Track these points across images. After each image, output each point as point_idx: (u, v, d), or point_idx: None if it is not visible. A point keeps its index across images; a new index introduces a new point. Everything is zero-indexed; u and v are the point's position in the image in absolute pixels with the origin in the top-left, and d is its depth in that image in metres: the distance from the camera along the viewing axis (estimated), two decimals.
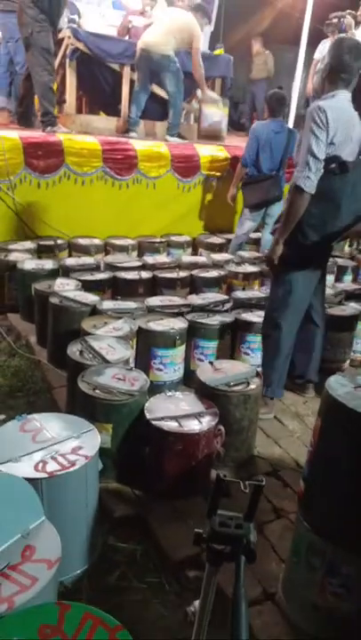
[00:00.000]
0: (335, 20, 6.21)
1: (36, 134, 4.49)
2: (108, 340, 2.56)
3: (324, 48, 6.76)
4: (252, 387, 2.31)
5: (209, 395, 2.25)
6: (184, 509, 1.97)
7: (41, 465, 1.62)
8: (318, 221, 2.39)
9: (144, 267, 3.90)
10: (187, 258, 4.47)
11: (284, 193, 4.21)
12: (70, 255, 4.31)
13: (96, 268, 3.81)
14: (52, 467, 1.61)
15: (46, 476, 1.58)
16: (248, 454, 2.39)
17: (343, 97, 2.37)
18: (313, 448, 1.62)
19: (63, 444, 1.73)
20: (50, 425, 1.83)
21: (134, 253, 4.51)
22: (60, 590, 1.58)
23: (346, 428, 1.46)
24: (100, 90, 5.76)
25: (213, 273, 3.83)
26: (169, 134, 5.41)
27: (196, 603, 1.27)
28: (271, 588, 1.71)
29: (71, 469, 1.61)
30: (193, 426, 2.03)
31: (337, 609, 1.54)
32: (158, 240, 4.82)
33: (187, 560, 1.77)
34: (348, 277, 4.38)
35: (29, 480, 1.56)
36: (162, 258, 4.36)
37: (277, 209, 4.40)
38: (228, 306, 3.17)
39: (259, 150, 4.29)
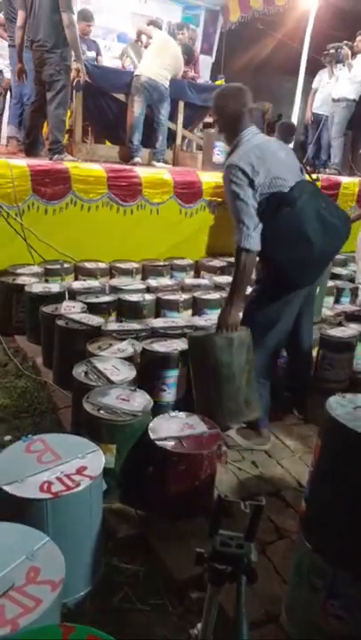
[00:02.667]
0: (333, 51, 6.41)
1: (43, 162, 4.61)
2: (113, 361, 2.60)
3: (321, 78, 6.97)
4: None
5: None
6: (187, 530, 1.98)
7: (46, 485, 1.64)
8: (299, 263, 2.29)
9: (148, 289, 3.97)
10: (189, 280, 4.54)
11: None
12: (76, 278, 4.39)
13: (101, 291, 3.88)
14: (56, 487, 1.63)
15: (51, 496, 1.59)
16: (248, 409, 2.36)
17: (251, 133, 2.35)
18: (314, 468, 1.64)
19: (68, 464, 1.74)
20: (55, 445, 1.85)
21: (138, 276, 4.58)
22: (64, 612, 1.58)
23: (346, 448, 1.49)
24: (105, 119, 5.94)
25: (215, 295, 3.90)
26: (155, 160, 5.58)
27: (199, 625, 1.28)
28: (274, 610, 1.71)
29: (76, 490, 1.63)
30: (196, 446, 2.06)
31: (339, 632, 1.54)
32: (162, 263, 4.90)
33: (190, 581, 1.76)
34: (346, 299, 4.43)
35: (34, 500, 1.59)
36: (165, 281, 4.43)
37: None
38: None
39: None
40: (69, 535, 1.64)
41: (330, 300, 4.26)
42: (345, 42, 6.48)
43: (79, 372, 2.47)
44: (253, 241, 2.26)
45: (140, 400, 2.25)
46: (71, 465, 1.74)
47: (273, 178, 2.26)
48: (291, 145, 4.72)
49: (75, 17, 4.53)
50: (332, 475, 1.53)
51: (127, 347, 2.79)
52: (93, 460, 1.78)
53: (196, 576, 1.74)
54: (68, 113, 5.73)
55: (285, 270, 2.33)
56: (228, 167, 2.28)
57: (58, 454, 1.80)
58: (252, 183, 2.23)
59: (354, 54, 6.45)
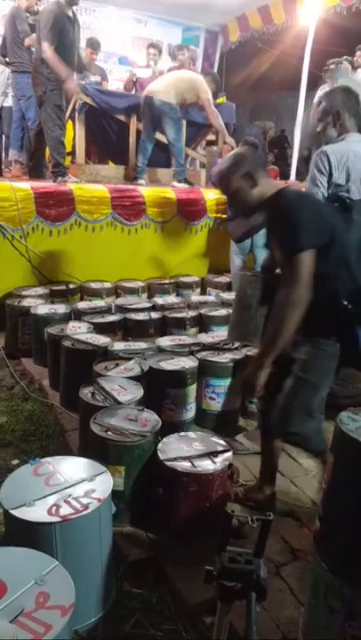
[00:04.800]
0: (333, 66, 6.46)
1: (46, 184, 4.67)
2: (120, 380, 2.58)
3: (322, 93, 7.02)
4: None
5: None
6: (199, 552, 1.93)
7: (54, 509, 1.62)
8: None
9: (154, 308, 3.97)
10: (195, 297, 4.54)
11: None
12: (82, 299, 4.40)
13: (107, 311, 3.88)
14: (65, 510, 1.61)
15: (60, 520, 1.57)
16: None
17: (353, 138, 2.47)
18: (327, 485, 1.60)
19: (76, 487, 1.73)
20: (63, 468, 1.83)
21: (144, 295, 4.59)
22: (75, 639, 1.55)
23: (358, 462, 1.46)
24: (107, 140, 6.02)
25: (222, 311, 3.87)
26: (176, 180, 5.58)
27: None
28: (291, 634, 1.66)
29: (84, 513, 1.61)
30: (206, 466, 2.03)
31: None
32: (167, 281, 4.91)
33: (203, 605, 1.72)
34: None
35: (43, 524, 1.56)
36: (171, 298, 4.43)
37: (262, 238, 4.59)
38: (238, 343, 3.19)
39: None
40: (79, 559, 1.62)
41: None
42: (345, 57, 6.54)
43: (86, 392, 2.46)
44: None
45: (149, 420, 2.22)
46: (79, 488, 1.73)
47: (346, 183, 2.44)
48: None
49: (48, 45, 4.55)
50: (346, 491, 1.50)
51: (134, 366, 2.77)
52: (102, 482, 1.77)
53: (209, 600, 1.70)
54: (70, 134, 5.83)
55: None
56: (320, 152, 2.47)
57: (66, 477, 1.78)
58: (330, 176, 2.44)
59: (354, 69, 6.50)
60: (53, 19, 4.50)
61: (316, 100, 7.22)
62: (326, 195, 2.42)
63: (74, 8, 4.77)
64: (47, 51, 4.53)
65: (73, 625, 1.34)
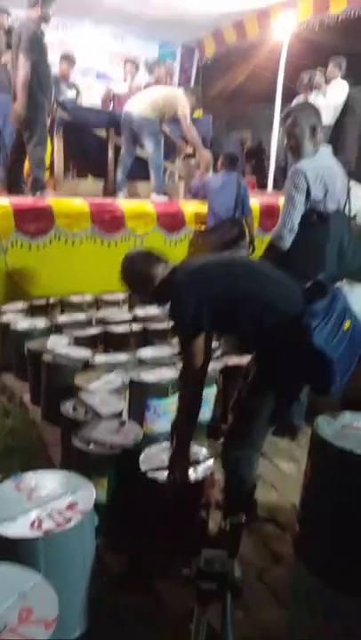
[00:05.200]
0: (306, 79, 6.63)
1: (25, 200, 4.69)
2: (101, 394, 2.59)
3: (293, 107, 7.18)
4: None
5: None
6: (184, 563, 1.95)
7: (37, 523, 1.62)
8: (301, 271, 2.37)
9: (135, 319, 3.99)
10: None
11: None
12: (62, 312, 4.40)
13: (88, 324, 3.89)
14: (48, 524, 1.62)
15: (42, 534, 1.58)
16: None
17: (325, 153, 2.59)
18: (304, 488, 1.64)
19: (59, 500, 1.73)
20: (45, 482, 1.84)
21: (125, 307, 4.60)
22: None
23: (333, 466, 1.50)
24: (86, 155, 6.06)
25: None
26: (155, 193, 5.64)
27: None
28: (276, 638, 1.67)
29: (67, 526, 1.61)
30: (188, 475, 2.04)
31: None
32: None
33: (189, 614, 1.74)
34: None
35: (25, 540, 1.57)
36: (152, 310, 4.45)
37: (244, 250, 4.84)
38: (218, 353, 3.23)
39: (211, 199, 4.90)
40: (63, 573, 1.62)
41: None
42: (318, 68, 6.71)
43: (67, 406, 2.47)
44: (283, 243, 2.55)
45: (131, 431, 2.24)
46: (62, 501, 1.73)
47: (321, 197, 2.52)
48: (233, 175, 5.01)
49: (24, 60, 4.59)
50: (322, 493, 1.54)
51: (115, 378, 2.79)
52: (84, 495, 1.77)
53: (192, 607, 1.72)
54: (49, 150, 5.86)
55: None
56: (296, 170, 2.54)
57: (48, 491, 1.79)
58: (307, 193, 2.50)
59: (327, 81, 6.68)
60: (34, 34, 4.57)
61: (284, 113, 7.38)
62: (303, 212, 2.51)
63: (44, 26, 4.83)
64: (24, 69, 4.57)
65: (58, 638, 1.34)
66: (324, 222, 2.50)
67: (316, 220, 2.51)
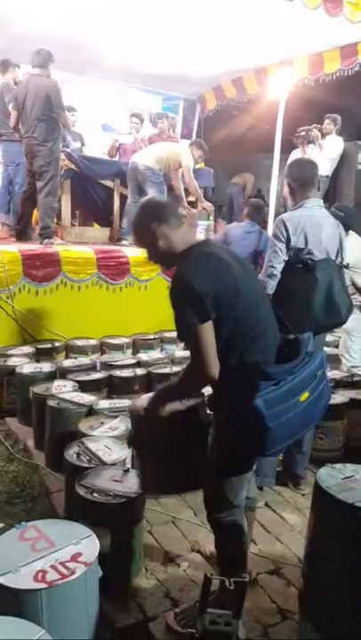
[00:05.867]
0: (303, 133, 6.91)
1: (33, 247, 4.83)
2: (105, 440, 2.60)
3: (295, 157, 7.45)
4: None
5: None
6: (188, 617, 1.92)
7: (40, 575, 1.61)
8: (294, 319, 2.37)
9: (139, 364, 4.03)
10: (179, 352, 4.60)
11: None
12: (67, 356, 4.45)
13: (92, 368, 3.93)
14: (51, 576, 1.60)
15: (46, 586, 1.57)
16: None
17: (312, 204, 2.67)
18: (308, 542, 1.64)
19: (62, 551, 1.72)
20: (49, 532, 1.82)
21: (129, 351, 4.65)
22: None
23: (337, 519, 1.50)
24: (92, 203, 6.26)
25: None
26: None
27: None
28: None
29: (71, 578, 1.60)
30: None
31: None
32: (152, 336, 5.00)
33: None
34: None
35: (29, 591, 1.56)
36: (155, 354, 4.50)
37: None
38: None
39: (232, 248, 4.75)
40: (65, 626, 1.60)
41: None
42: (314, 125, 7.00)
43: (71, 453, 2.47)
44: (267, 286, 2.60)
45: (134, 480, 2.24)
46: (66, 552, 1.72)
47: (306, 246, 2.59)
48: (257, 226, 5.09)
49: (66, 113, 5.08)
50: (327, 547, 1.54)
51: (119, 424, 2.80)
52: (88, 545, 1.76)
53: None
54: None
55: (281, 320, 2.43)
56: (279, 220, 2.66)
57: (52, 541, 1.78)
58: (287, 242, 2.59)
59: (323, 136, 6.96)
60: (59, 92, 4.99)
61: (289, 161, 7.66)
62: (285, 259, 2.61)
63: None
64: (67, 118, 5.04)
65: None
66: (308, 270, 2.55)
67: (300, 268, 2.57)
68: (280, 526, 2.58)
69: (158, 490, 2.19)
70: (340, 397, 3.30)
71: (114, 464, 2.38)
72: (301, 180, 2.67)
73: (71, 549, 1.74)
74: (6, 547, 1.76)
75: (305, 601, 1.61)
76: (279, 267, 2.61)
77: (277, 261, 2.61)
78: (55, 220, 5.88)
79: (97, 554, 1.73)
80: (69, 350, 4.54)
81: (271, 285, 2.61)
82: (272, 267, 2.62)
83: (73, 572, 1.62)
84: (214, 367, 1.66)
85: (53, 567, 1.65)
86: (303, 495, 2.84)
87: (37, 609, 1.54)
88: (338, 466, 1.74)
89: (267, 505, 2.74)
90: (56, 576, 1.61)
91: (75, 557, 1.70)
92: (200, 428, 1.90)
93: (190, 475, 1.90)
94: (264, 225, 7.80)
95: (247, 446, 1.71)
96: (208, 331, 1.65)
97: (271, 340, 1.80)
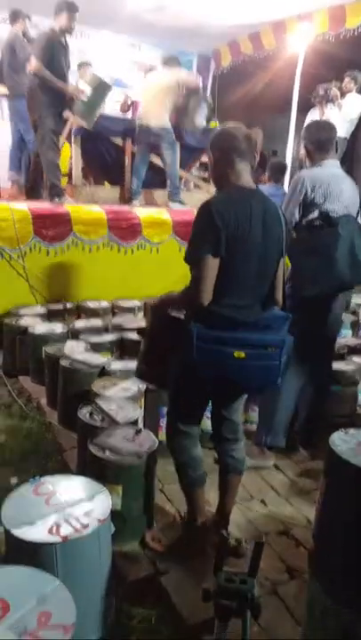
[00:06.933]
0: (322, 92, 6.65)
1: (44, 205, 4.75)
2: (117, 400, 2.62)
3: (313, 117, 7.21)
4: None
5: None
6: (198, 572, 1.96)
7: (55, 529, 1.64)
8: (310, 274, 2.51)
9: None
10: None
11: None
12: (79, 318, 4.44)
13: (104, 330, 3.92)
14: (65, 530, 1.63)
15: (60, 540, 1.59)
16: None
17: (330, 164, 2.63)
18: (320, 505, 1.64)
19: (76, 506, 1.75)
20: (62, 488, 1.85)
21: (140, 314, 4.64)
22: None
23: (350, 483, 1.49)
24: (103, 162, 6.12)
25: None
26: (171, 201, 5.69)
27: None
28: None
29: (85, 533, 1.63)
30: None
31: None
32: None
33: (202, 624, 1.74)
34: (347, 332, 4.44)
35: (44, 544, 1.59)
36: None
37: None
38: None
39: None
40: (79, 579, 1.63)
41: None
42: (334, 82, 6.74)
43: (84, 412, 2.49)
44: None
45: (146, 440, 2.26)
46: (79, 507, 1.75)
47: (323, 202, 2.55)
48: (285, 184, 4.86)
49: (38, 62, 4.67)
50: (339, 511, 1.54)
51: (131, 386, 2.81)
52: (101, 501, 1.79)
53: (207, 619, 1.73)
54: (67, 156, 5.93)
55: (297, 276, 2.53)
56: (298, 177, 2.64)
57: (66, 496, 1.80)
58: (305, 197, 2.56)
59: (343, 94, 6.70)
60: (47, 41, 4.65)
61: (307, 122, 7.42)
62: (301, 213, 2.57)
63: (67, 36, 4.90)
64: (37, 66, 4.64)
65: None
66: (330, 225, 2.52)
67: (322, 223, 2.54)
68: (290, 489, 2.61)
69: (142, 378, 2.37)
70: (353, 364, 3.28)
71: (126, 423, 2.39)
72: (319, 142, 2.64)
73: (85, 505, 1.76)
74: (21, 501, 1.78)
75: (315, 562, 1.63)
76: (295, 212, 2.56)
77: (292, 207, 2.56)
78: (66, 180, 5.78)
79: (110, 510, 1.76)
80: (81, 312, 4.53)
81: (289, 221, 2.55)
82: (290, 209, 2.56)
83: (87, 527, 1.65)
84: (206, 298, 1.83)
85: (67, 522, 1.67)
86: (314, 459, 2.85)
87: (52, 562, 1.57)
88: (351, 431, 1.73)
89: (277, 467, 2.77)
90: (70, 530, 1.63)
91: (88, 513, 1.72)
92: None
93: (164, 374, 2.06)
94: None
95: (181, 368, 1.92)
96: (213, 264, 1.80)
97: (251, 302, 1.89)
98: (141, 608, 1.85)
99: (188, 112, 5.96)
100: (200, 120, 6.01)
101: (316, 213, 2.55)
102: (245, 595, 1.06)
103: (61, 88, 4.75)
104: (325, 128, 2.71)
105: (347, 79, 6.71)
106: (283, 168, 4.89)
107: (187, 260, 1.88)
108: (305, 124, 6.79)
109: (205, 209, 1.83)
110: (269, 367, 1.86)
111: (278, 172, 4.83)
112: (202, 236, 1.82)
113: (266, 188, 4.72)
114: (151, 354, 2.09)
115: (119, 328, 3.94)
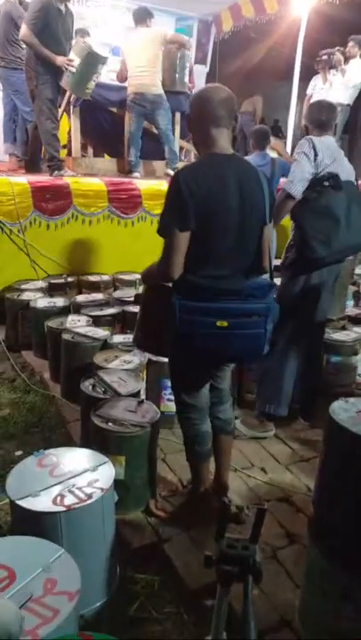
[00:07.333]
0: (325, 57, 6.48)
1: (43, 178, 4.69)
2: (120, 373, 2.64)
3: (315, 84, 7.04)
4: None
5: None
6: (200, 539, 2.01)
7: (59, 499, 1.67)
8: (323, 236, 2.53)
9: None
10: None
11: None
12: (80, 292, 4.44)
13: (105, 304, 3.92)
14: (69, 500, 1.66)
15: (64, 509, 1.62)
16: None
17: (328, 139, 2.67)
18: (320, 473, 1.66)
19: (80, 477, 1.78)
20: (66, 459, 1.88)
21: (142, 287, 4.61)
22: (81, 623, 1.61)
23: (350, 451, 1.51)
24: (102, 133, 6.01)
25: None
26: (170, 168, 5.62)
27: None
28: (288, 616, 1.72)
29: (88, 502, 1.66)
30: None
31: (353, 633, 1.55)
32: None
33: (204, 589, 1.79)
34: (350, 302, 4.43)
35: (48, 514, 1.62)
36: None
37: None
38: None
39: None
40: (84, 547, 1.67)
41: None
42: (337, 48, 6.55)
43: (87, 385, 2.51)
44: (295, 188, 2.55)
45: (148, 411, 2.28)
46: (83, 478, 1.78)
47: (329, 164, 2.57)
48: (268, 149, 4.77)
49: (27, 29, 4.50)
50: (338, 479, 1.56)
51: (133, 358, 2.82)
52: (104, 472, 1.82)
53: (209, 584, 1.77)
54: (65, 127, 5.81)
55: (306, 238, 2.54)
56: (306, 138, 2.63)
57: (69, 468, 1.83)
58: (314, 158, 2.56)
59: (346, 60, 6.52)
60: (41, 8, 4.47)
61: (309, 90, 7.25)
62: (312, 171, 2.55)
63: (67, 4, 4.74)
64: (25, 32, 4.49)
65: (79, 610, 1.39)
66: (336, 185, 2.54)
67: (329, 184, 2.55)
68: (290, 457, 2.65)
69: (139, 346, 2.40)
70: (354, 334, 3.28)
71: (128, 395, 2.42)
72: (318, 122, 2.68)
73: (88, 476, 1.79)
74: (26, 472, 1.81)
75: (314, 527, 1.66)
76: (307, 173, 2.54)
77: (302, 169, 2.54)
78: (65, 152, 5.69)
79: (113, 480, 1.79)
80: (82, 286, 4.52)
81: (298, 187, 2.54)
82: (301, 171, 2.55)
83: (90, 497, 1.68)
84: (173, 272, 1.81)
85: (71, 492, 1.70)
86: (313, 428, 2.88)
87: (57, 531, 1.61)
88: (351, 399, 1.74)
89: (276, 436, 2.80)
90: (74, 500, 1.66)
91: (91, 483, 1.75)
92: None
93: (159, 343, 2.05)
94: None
95: (172, 339, 1.88)
96: (181, 239, 1.77)
97: (231, 272, 1.85)
98: (145, 574, 1.90)
99: (178, 72, 5.84)
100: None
101: (324, 174, 2.56)
102: (247, 560, 1.08)
103: (49, 57, 4.58)
104: (327, 109, 2.72)
105: (351, 44, 6.51)
106: (265, 133, 4.76)
107: (158, 232, 1.85)
108: (307, 92, 6.68)
109: (174, 180, 1.78)
110: (254, 336, 1.85)
111: (261, 138, 4.70)
112: (170, 209, 1.79)
113: (252, 158, 4.62)
114: (146, 323, 2.09)
115: (120, 301, 3.93)
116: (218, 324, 1.79)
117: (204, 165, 1.85)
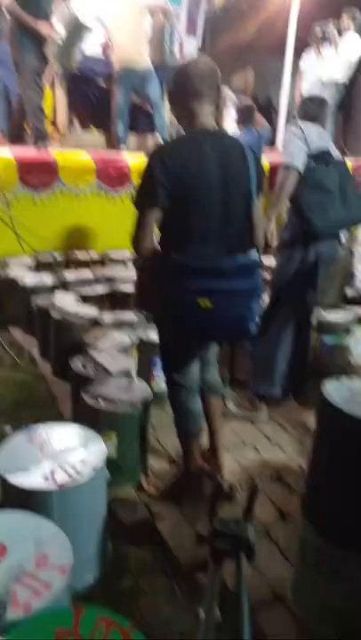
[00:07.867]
0: (318, 31, 6.35)
1: (28, 152, 4.56)
2: (110, 351, 2.60)
3: (308, 57, 6.92)
4: None
5: None
6: (192, 515, 2.01)
7: (50, 476, 1.65)
8: (319, 208, 2.58)
9: None
10: None
11: None
12: (68, 269, 4.36)
13: (95, 281, 3.86)
14: (61, 477, 1.65)
15: (56, 487, 1.61)
16: None
17: (317, 127, 2.72)
18: (312, 452, 1.66)
19: (71, 454, 1.76)
20: (57, 436, 1.86)
21: (131, 265, 4.55)
22: (74, 598, 1.61)
23: (342, 431, 1.51)
24: (89, 105, 5.87)
25: None
26: (161, 136, 5.52)
27: None
28: (281, 591, 1.73)
29: (80, 480, 1.65)
30: None
31: (345, 610, 1.57)
32: None
33: (195, 564, 1.80)
34: None
35: (40, 491, 1.60)
36: None
37: None
38: None
39: None
40: (75, 523, 1.66)
41: None
42: (331, 20, 6.42)
43: (77, 363, 2.48)
44: (294, 161, 2.58)
45: (138, 389, 2.26)
46: (74, 455, 1.76)
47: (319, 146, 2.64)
48: (252, 133, 4.74)
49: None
50: (330, 457, 1.56)
51: (123, 336, 2.79)
52: (95, 449, 1.80)
53: (201, 560, 1.77)
54: (50, 100, 5.65)
55: (303, 210, 2.59)
56: (294, 123, 2.73)
57: (60, 444, 1.81)
58: (305, 138, 2.61)
59: (340, 33, 6.40)
60: None
61: (301, 64, 7.11)
62: (306, 150, 2.58)
63: None
64: (7, 0, 4.32)
65: (72, 584, 1.38)
66: (328, 162, 2.63)
67: (322, 161, 2.62)
68: (283, 437, 2.65)
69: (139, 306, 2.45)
70: (347, 314, 3.28)
71: (119, 373, 2.39)
72: (309, 117, 2.73)
73: (79, 452, 1.77)
74: (16, 449, 1.79)
75: (307, 505, 1.66)
76: (302, 151, 2.58)
77: (295, 146, 2.59)
78: (51, 124, 5.54)
79: (104, 457, 1.77)
80: (71, 262, 4.44)
81: (298, 160, 2.57)
82: (298, 147, 2.59)
83: (82, 475, 1.66)
84: (141, 247, 1.83)
85: (62, 469, 1.68)
86: (306, 408, 2.88)
87: (48, 508, 1.59)
88: (344, 379, 1.73)
89: (270, 417, 2.80)
90: (65, 477, 1.65)
91: (83, 460, 1.73)
92: None
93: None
94: (272, 133, 7.43)
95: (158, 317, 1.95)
96: (152, 215, 1.77)
97: (215, 249, 1.82)
98: (137, 550, 1.90)
99: (168, 46, 5.70)
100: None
101: (316, 152, 2.61)
102: (240, 538, 1.07)
103: (32, 26, 4.42)
104: (317, 103, 2.83)
105: (344, 17, 6.39)
106: (250, 109, 4.76)
107: (134, 205, 1.84)
108: (300, 66, 6.56)
109: (150, 157, 1.76)
110: (240, 315, 1.82)
111: (246, 114, 4.70)
112: (144, 186, 1.78)
113: (241, 136, 4.60)
114: (142, 286, 2.06)
115: (110, 279, 3.88)
116: (201, 303, 1.76)
117: (182, 142, 1.82)
